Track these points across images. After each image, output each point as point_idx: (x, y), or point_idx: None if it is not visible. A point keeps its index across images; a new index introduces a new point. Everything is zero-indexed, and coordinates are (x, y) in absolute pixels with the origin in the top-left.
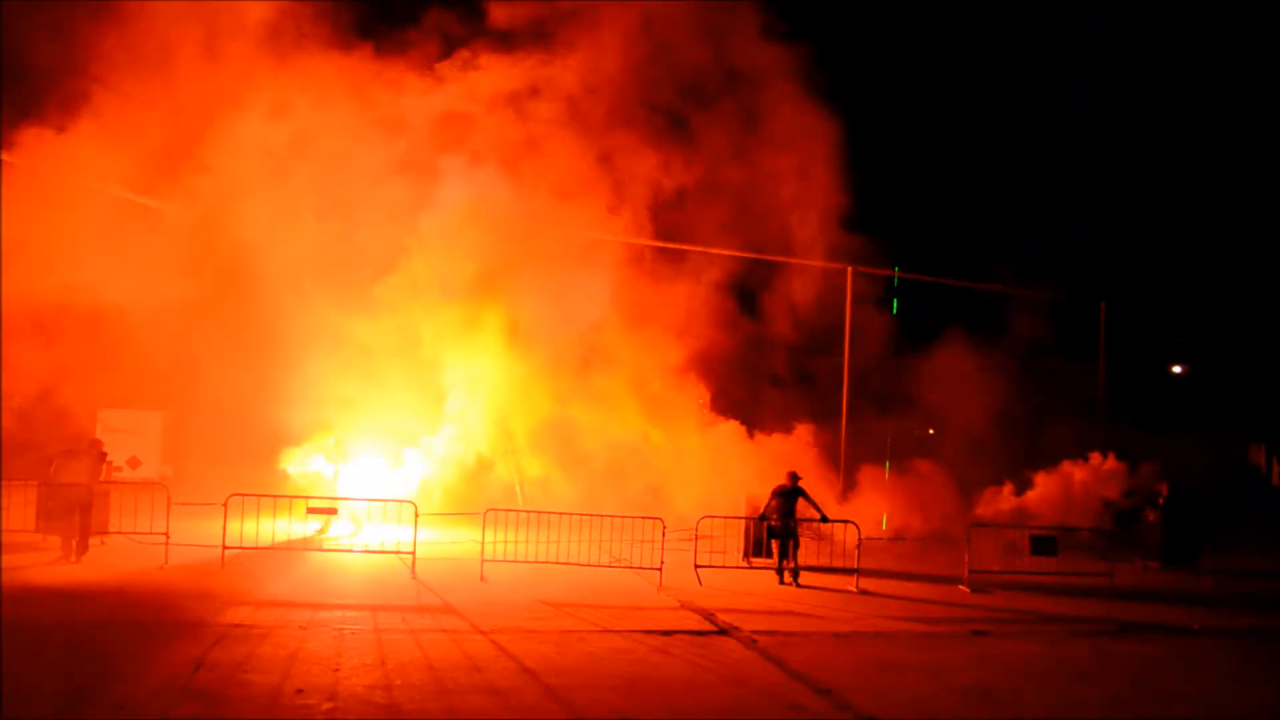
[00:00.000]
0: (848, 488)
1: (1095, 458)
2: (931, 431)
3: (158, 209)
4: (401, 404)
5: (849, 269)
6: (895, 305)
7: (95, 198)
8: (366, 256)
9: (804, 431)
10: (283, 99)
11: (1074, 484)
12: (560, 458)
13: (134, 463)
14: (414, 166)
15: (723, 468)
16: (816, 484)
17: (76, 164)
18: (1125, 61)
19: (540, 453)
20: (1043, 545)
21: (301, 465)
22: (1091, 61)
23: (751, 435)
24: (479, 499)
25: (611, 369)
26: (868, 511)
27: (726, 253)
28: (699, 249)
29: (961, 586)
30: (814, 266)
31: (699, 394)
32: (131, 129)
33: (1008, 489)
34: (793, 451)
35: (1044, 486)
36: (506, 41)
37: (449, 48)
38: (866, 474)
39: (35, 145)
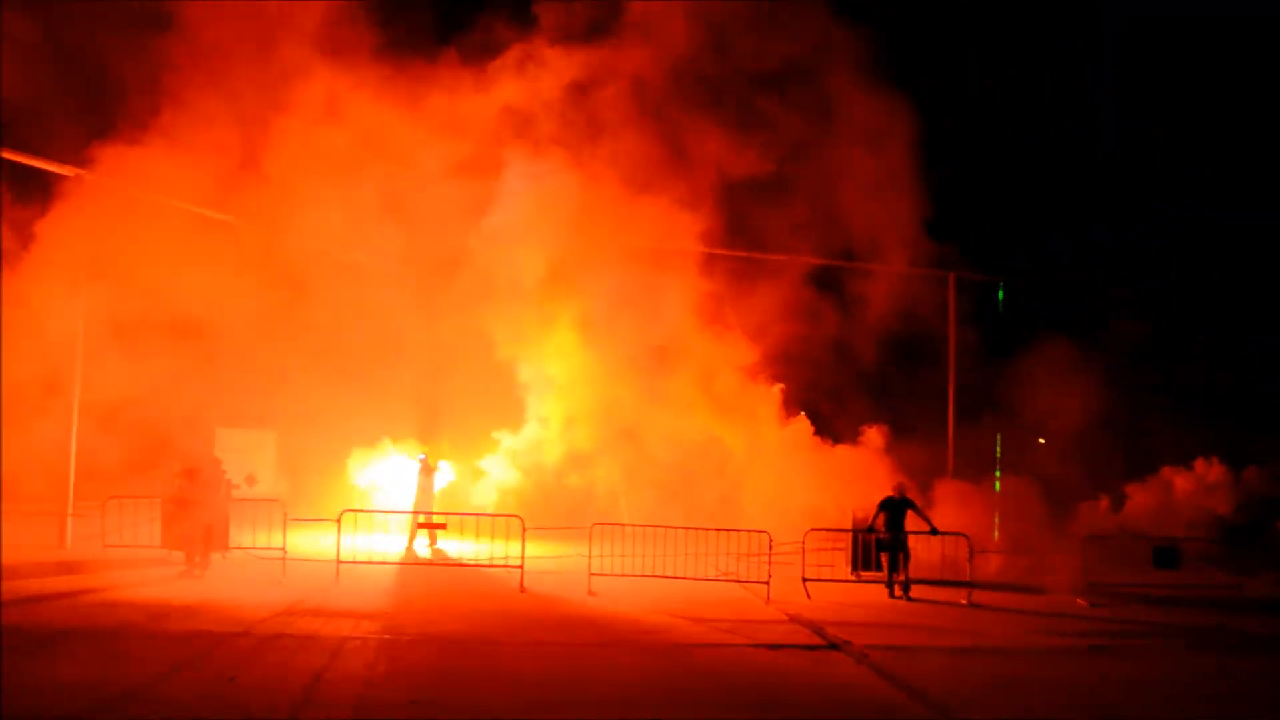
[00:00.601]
0: (951, 498)
1: (1200, 465)
2: (1042, 441)
3: (232, 223)
4: (482, 411)
5: (951, 275)
6: (1000, 296)
7: (172, 213)
8: (442, 259)
9: (875, 438)
10: (347, 103)
11: (1175, 494)
12: (638, 468)
13: (251, 480)
14: (484, 166)
15: (803, 478)
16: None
17: (153, 179)
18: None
19: (622, 461)
20: (1165, 557)
21: (386, 476)
22: (1200, 47)
23: (834, 444)
24: (559, 510)
25: (690, 373)
26: (970, 523)
27: (824, 262)
28: (789, 258)
29: (1078, 599)
30: (913, 273)
31: (789, 407)
32: (202, 142)
33: (1104, 504)
34: (871, 462)
35: (1142, 498)
36: (586, 35)
37: (516, 41)
38: (966, 484)
39: (114, 161)
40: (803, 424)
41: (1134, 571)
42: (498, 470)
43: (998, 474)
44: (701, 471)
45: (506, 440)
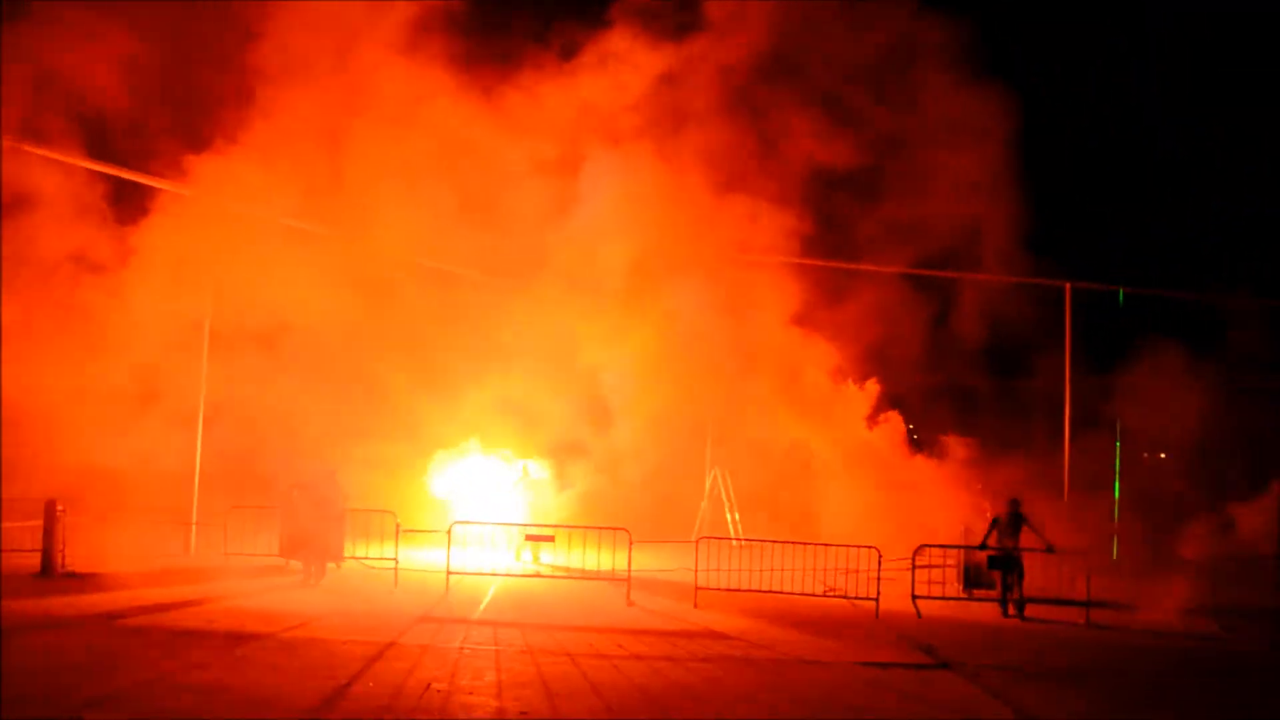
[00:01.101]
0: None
1: None
2: (1163, 455)
3: (322, 233)
4: (565, 415)
5: (1067, 284)
6: (1122, 296)
7: (267, 225)
8: (527, 260)
9: (958, 449)
10: (428, 107)
11: None
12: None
13: (366, 491)
14: (567, 165)
15: (899, 492)
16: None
17: (248, 191)
18: None
19: (723, 471)
20: None
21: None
22: None
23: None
24: (653, 519)
25: (778, 377)
26: (1085, 540)
27: (928, 272)
28: (878, 268)
29: (1207, 619)
30: (1027, 283)
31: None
32: (290, 152)
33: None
34: (961, 476)
35: (1251, 518)
36: (670, 30)
37: (597, 37)
38: (1082, 498)
39: (207, 174)
40: (897, 428)
41: (1264, 593)
42: (583, 478)
43: (1116, 492)
44: (794, 479)
45: (589, 446)
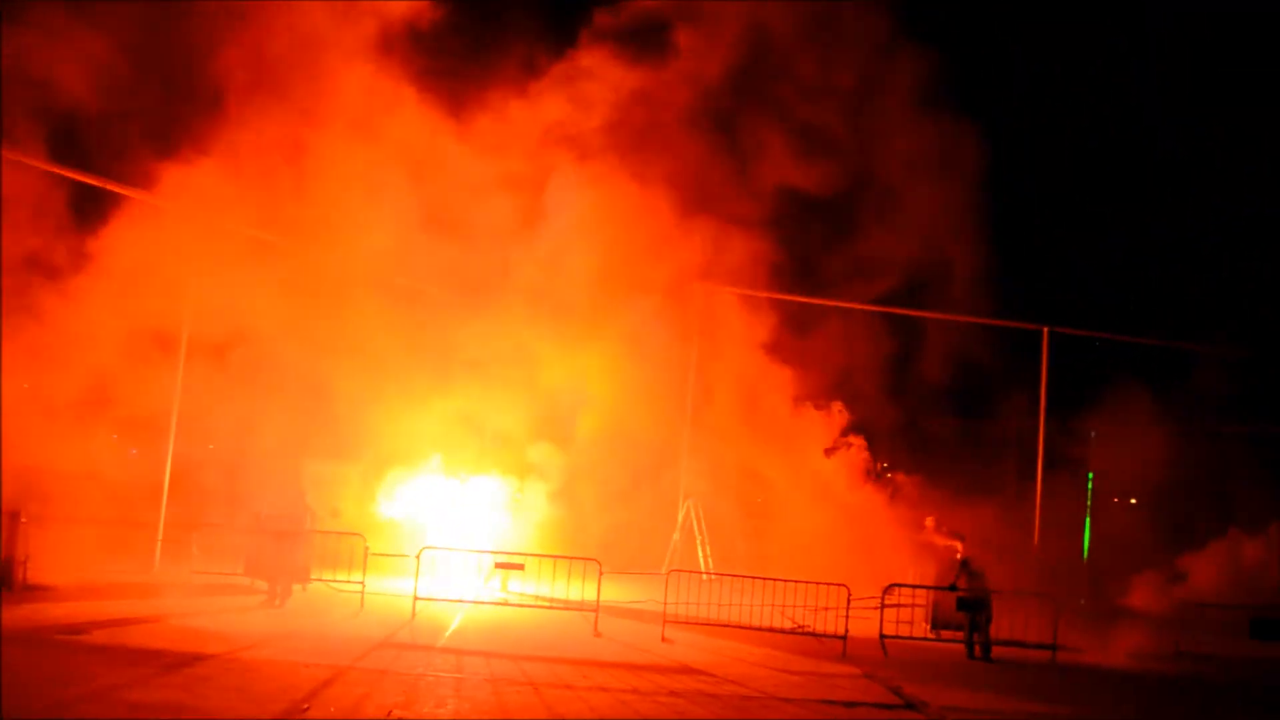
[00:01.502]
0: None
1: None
2: (1134, 501)
3: (287, 245)
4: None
5: (1045, 329)
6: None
7: (231, 236)
8: (489, 278)
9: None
10: (391, 121)
11: (1244, 562)
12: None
13: (334, 513)
14: (530, 182)
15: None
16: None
17: (213, 201)
18: None
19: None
20: (1264, 629)
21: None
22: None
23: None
24: (605, 545)
25: (737, 405)
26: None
27: (909, 312)
28: (853, 305)
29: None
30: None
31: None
32: (257, 163)
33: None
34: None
35: (1204, 567)
36: (636, 51)
37: (563, 55)
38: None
39: (172, 182)
40: (858, 460)
41: (1227, 641)
42: (548, 504)
43: (1086, 534)
44: (763, 511)
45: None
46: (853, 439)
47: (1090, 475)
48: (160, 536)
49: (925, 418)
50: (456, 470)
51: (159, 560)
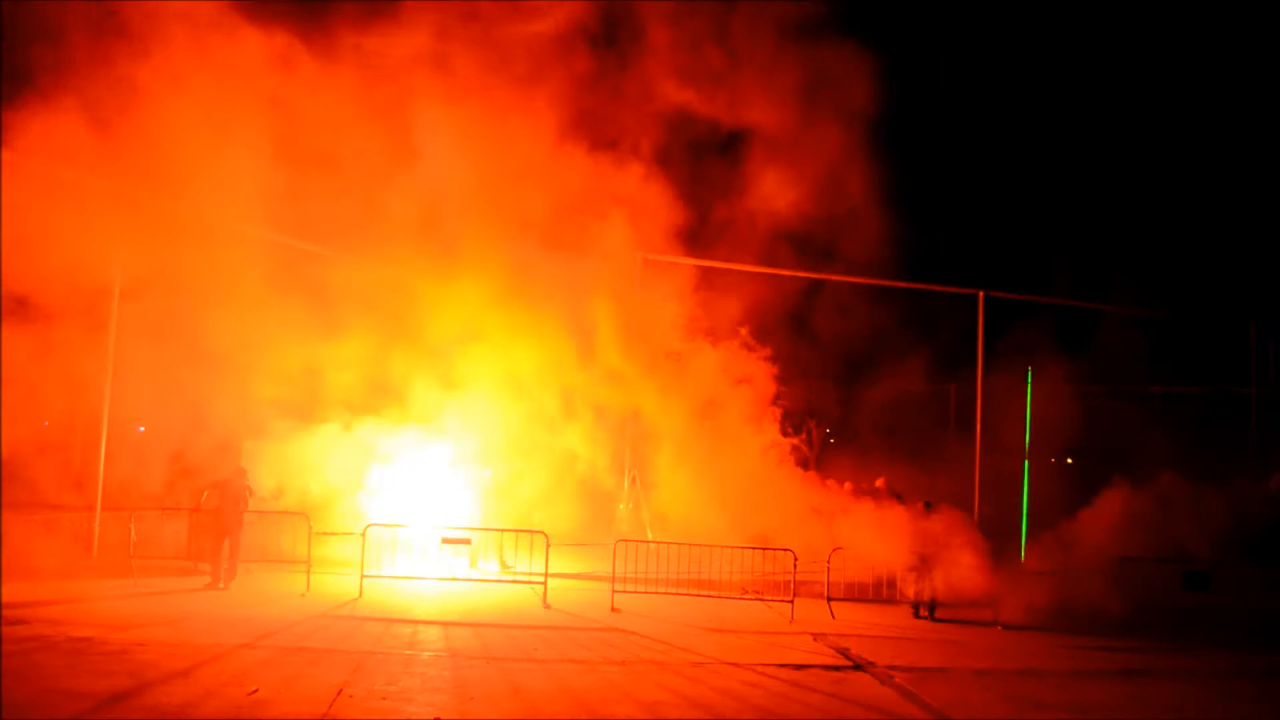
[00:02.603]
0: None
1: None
2: (1053, 460)
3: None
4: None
5: (980, 293)
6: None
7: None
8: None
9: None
10: (246, 58)
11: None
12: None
13: (277, 493)
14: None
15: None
16: None
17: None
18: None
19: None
20: (1195, 580)
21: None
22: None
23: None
24: (553, 516)
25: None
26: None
27: (836, 278)
28: (768, 270)
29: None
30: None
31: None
32: (119, 113)
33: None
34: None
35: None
36: None
37: None
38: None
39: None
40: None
41: (1161, 595)
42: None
43: (1025, 495)
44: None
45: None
46: (782, 408)
47: (1028, 434)
48: (98, 521)
49: (857, 385)
50: (398, 442)
51: (97, 545)
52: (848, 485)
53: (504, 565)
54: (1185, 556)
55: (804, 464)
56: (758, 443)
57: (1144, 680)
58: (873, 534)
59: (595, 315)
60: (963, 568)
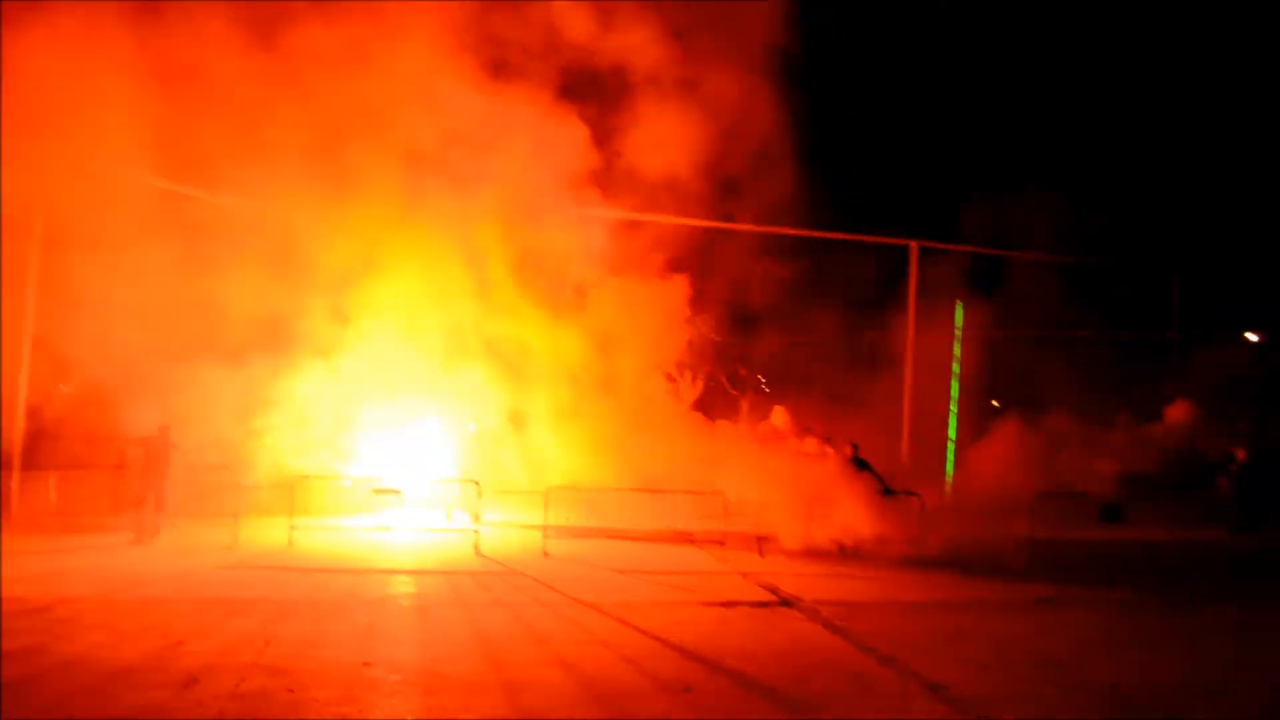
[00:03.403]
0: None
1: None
2: (996, 404)
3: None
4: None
5: (913, 244)
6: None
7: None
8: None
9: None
10: None
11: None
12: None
13: (201, 445)
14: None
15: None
16: None
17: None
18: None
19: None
20: (1110, 513)
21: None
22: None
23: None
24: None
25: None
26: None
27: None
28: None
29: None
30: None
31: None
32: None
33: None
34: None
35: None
36: None
37: None
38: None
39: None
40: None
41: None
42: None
43: (951, 437)
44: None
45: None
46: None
47: (955, 374)
48: (16, 479)
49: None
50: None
51: (15, 504)
52: (744, 427)
53: (449, 516)
54: (1099, 492)
55: (733, 407)
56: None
57: (1058, 609)
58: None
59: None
60: (872, 506)
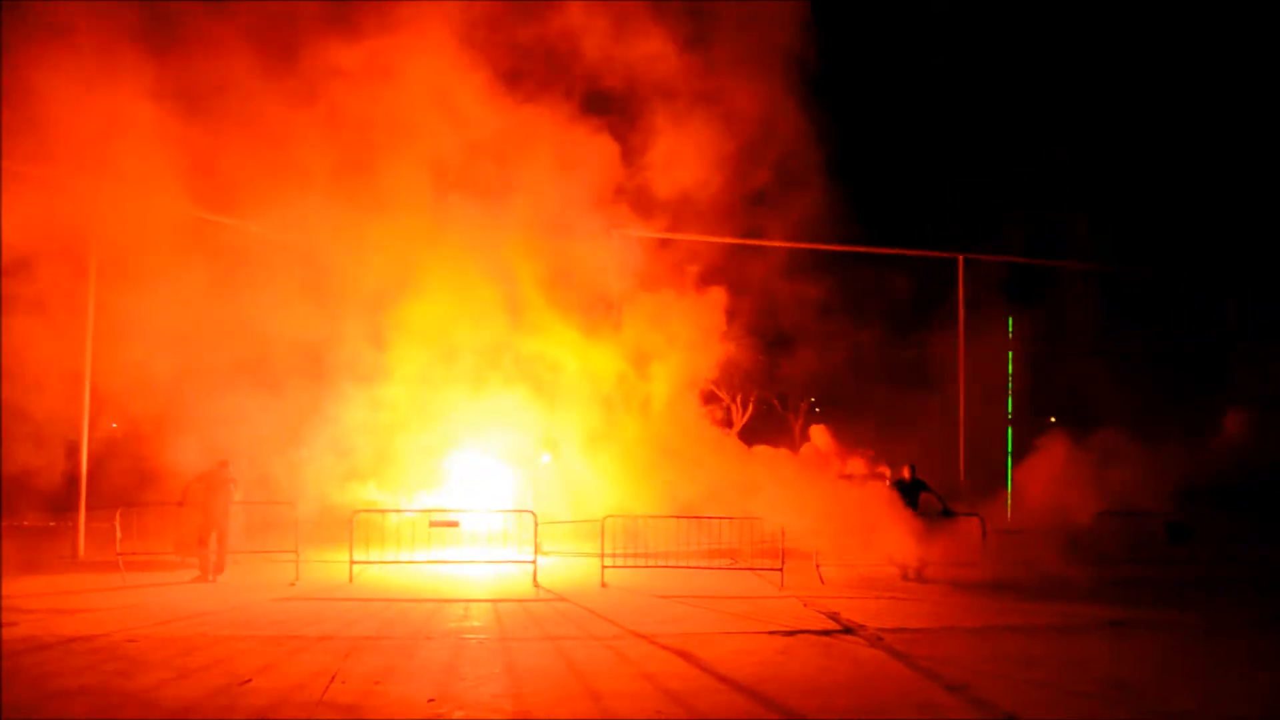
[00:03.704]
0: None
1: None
2: (1053, 420)
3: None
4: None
5: (960, 257)
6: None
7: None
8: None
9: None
10: None
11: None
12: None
13: (262, 481)
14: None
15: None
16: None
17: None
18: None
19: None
20: (1178, 533)
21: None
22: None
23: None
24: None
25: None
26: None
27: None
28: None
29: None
30: (923, 256)
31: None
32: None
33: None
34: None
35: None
36: None
37: None
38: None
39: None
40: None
41: (1144, 549)
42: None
43: (1009, 453)
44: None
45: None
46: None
47: (1009, 389)
48: (82, 519)
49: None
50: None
51: (84, 544)
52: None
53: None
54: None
55: (786, 430)
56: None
57: (1130, 633)
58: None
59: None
60: (923, 529)
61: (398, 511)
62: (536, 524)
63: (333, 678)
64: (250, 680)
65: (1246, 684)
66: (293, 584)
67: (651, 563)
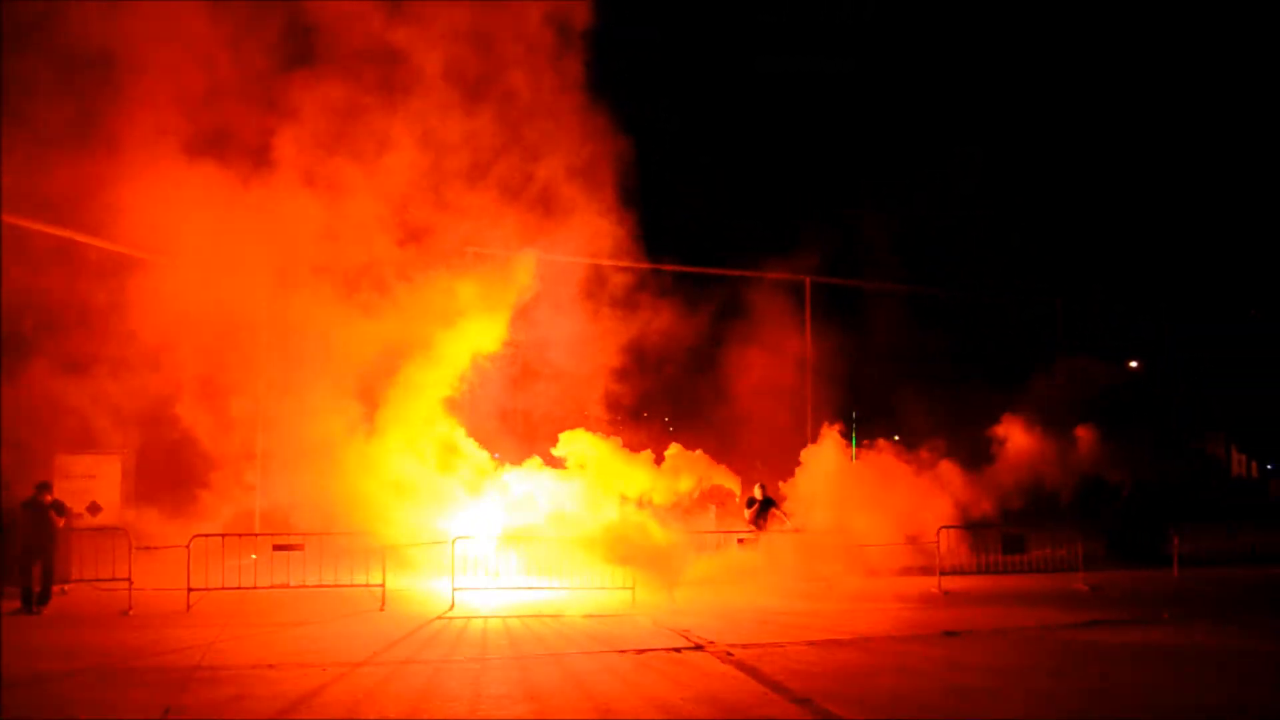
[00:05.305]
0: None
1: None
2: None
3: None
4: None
5: (807, 279)
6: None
7: None
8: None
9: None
10: None
11: None
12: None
13: (94, 509)
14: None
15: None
16: None
17: None
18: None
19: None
20: (1013, 544)
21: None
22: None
23: None
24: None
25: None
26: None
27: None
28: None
29: (933, 589)
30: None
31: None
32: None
33: None
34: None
35: None
36: None
37: None
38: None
39: None
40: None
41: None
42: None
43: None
44: None
45: None
46: None
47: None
48: None
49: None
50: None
51: None
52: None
53: None
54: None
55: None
56: None
57: (965, 641)
58: None
59: None
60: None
61: (237, 535)
62: (385, 548)
63: (166, 710)
64: (80, 716)
65: (1071, 683)
66: (125, 614)
67: (501, 584)
